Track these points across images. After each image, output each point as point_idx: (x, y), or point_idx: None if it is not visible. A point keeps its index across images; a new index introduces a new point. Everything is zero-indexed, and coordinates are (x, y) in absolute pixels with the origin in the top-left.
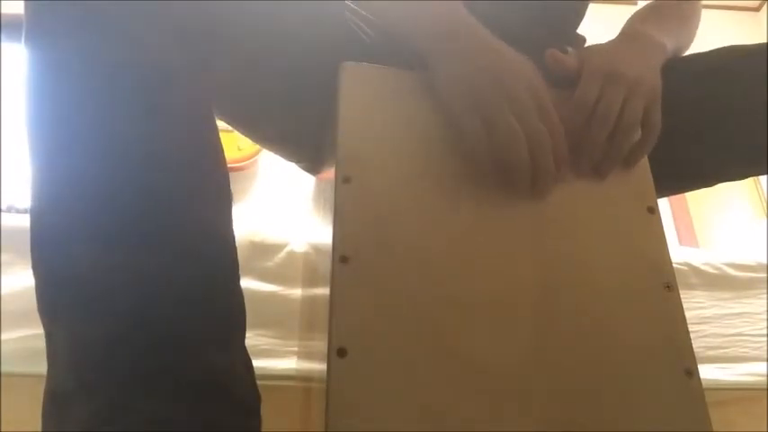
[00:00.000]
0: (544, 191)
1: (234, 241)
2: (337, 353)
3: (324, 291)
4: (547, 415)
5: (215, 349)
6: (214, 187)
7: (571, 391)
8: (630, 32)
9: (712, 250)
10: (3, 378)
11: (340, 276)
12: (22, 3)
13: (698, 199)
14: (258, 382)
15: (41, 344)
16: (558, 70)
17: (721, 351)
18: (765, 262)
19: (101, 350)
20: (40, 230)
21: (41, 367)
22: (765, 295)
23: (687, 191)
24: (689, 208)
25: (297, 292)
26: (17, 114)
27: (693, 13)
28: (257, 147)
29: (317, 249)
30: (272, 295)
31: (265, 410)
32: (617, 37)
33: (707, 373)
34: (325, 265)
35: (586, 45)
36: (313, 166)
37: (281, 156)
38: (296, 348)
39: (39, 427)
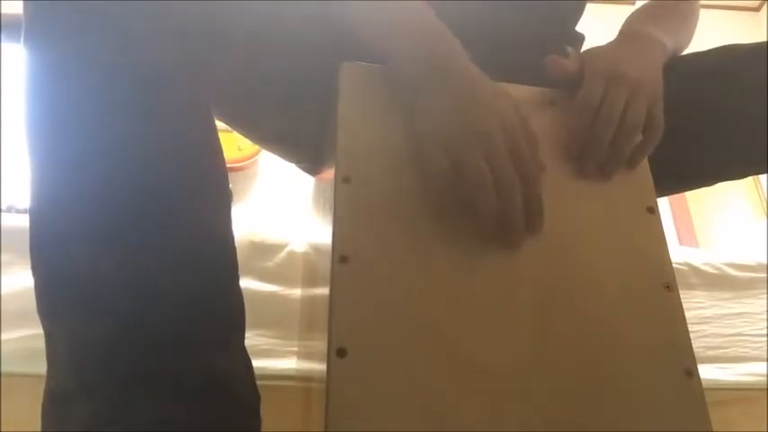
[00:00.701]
0: (513, 241)
1: (233, 241)
2: (337, 353)
3: (324, 291)
4: (547, 415)
5: (215, 349)
6: (213, 187)
7: (571, 391)
8: (630, 32)
9: (712, 250)
10: (3, 378)
11: (340, 276)
12: (22, 3)
13: (698, 199)
14: (258, 382)
15: (41, 344)
16: (559, 76)
17: (721, 351)
18: (765, 262)
19: (100, 350)
20: (40, 231)
21: (41, 367)
22: (765, 295)
23: (687, 190)
24: (689, 208)
25: (297, 292)
26: (17, 114)
27: (692, 12)
28: (257, 147)
29: (316, 249)
30: (272, 295)
31: (265, 410)
32: (616, 37)
33: (707, 373)
34: (325, 265)
35: (586, 46)
36: (312, 166)
37: (281, 156)
38: (296, 348)
39: (39, 427)
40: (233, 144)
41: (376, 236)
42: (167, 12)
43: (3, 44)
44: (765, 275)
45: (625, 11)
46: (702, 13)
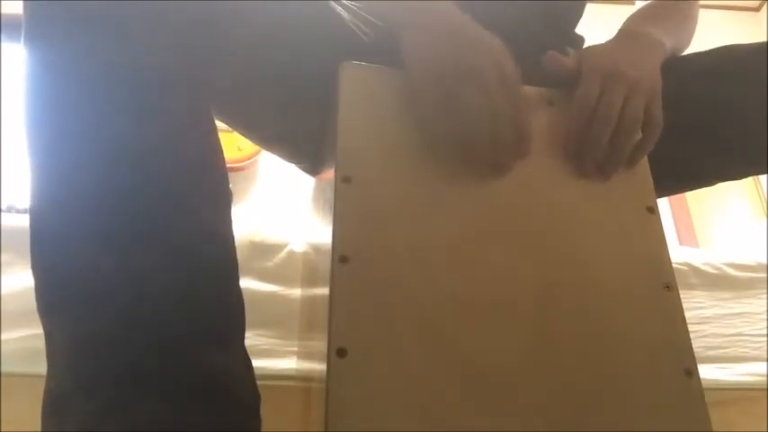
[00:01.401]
0: (504, 166)
1: (233, 241)
2: (337, 353)
3: (323, 291)
4: (547, 415)
5: (215, 349)
6: (213, 187)
7: (571, 390)
8: (629, 31)
9: (712, 250)
10: (3, 378)
11: (340, 276)
12: (22, 3)
13: (698, 199)
14: (258, 382)
15: (41, 344)
16: (558, 72)
17: (721, 351)
18: (765, 262)
19: (100, 350)
20: (40, 230)
21: (41, 367)
22: (765, 295)
23: (687, 191)
24: (689, 208)
25: (297, 292)
26: (17, 114)
27: (691, 13)
28: (257, 147)
29: (316, 249)
30: (272, 295)
31: (265, 410)
32: (615, 36)
33: (707, 373)
34: (325, 265)
35: (585, 45)
36: (312, 166)
37: (281, 156)
38: (296, 348)
39: (39, 427)
40: (233, 144)
41: (376, 236)
42: (167, 12)
43: (3, 44)
44: (765, 275)
45: (625, 11)
46: (702, 13)
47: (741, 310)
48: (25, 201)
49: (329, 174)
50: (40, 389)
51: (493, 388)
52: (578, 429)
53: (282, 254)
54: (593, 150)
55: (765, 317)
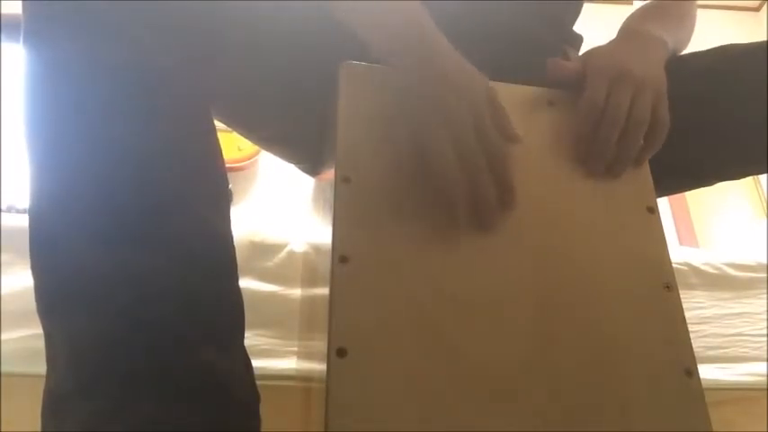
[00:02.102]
0: (487, 221)
1: (232, 241)
2: (337, 353)
3: (323, 291)
4: (547, 415)
5: (215, 349)
6: (212, 187)
7: (571, 390)
8: (631, 30)
9: (712, 250)
10: (3, 378)
11: (340, 276)
12: (22, 3)
13: (698, 199)
14: (258, 382)
15: (41, 344)
16: (561, 78)
17: (721, 351)
18: (765, 262)
19: (100, 350)
20: (39, 230)
21: (41, 367)
22: (765, 295)
23: (687, 190)
24: (689, 208)
25: (297, 292)
26: (17, 114)
27: (689, 12)
28: (257, 147)
29: (316, 249)
30: (272, 295)
31: (265, 410)
32: (617, 36)
33: (707, 373)
34: (325, 265)
35: (585, 47)
36: (312, 167)
37: (280, 157)
38: (296, 348)
39: (39, 427)
40: (233, 144)
41: (376, 236)
42: (167, 12)
43: (3, 44)
44: (765, 275)
45: (625, 11)
46: (702, 13)
47: (741, 310)
48: (25, 201)
49: (329, 174)
50: (40, 389)
51: (493, 388)
52: (578, 429)
53: (282, 254)
54: (602, 152)
55: (765, 317)
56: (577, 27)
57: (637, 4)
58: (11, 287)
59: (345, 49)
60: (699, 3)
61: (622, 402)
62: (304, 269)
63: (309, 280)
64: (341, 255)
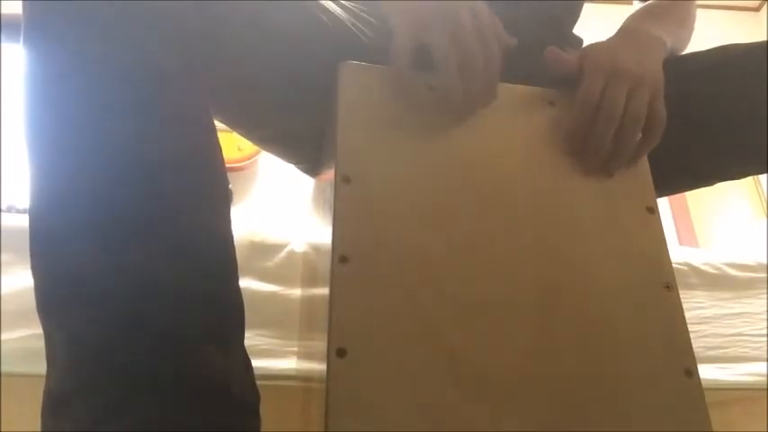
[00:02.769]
0: (468, 111)
1: (232, 241)
2: (337, 353)
3: (323, 291)
4: (546, 415)
5: (214, 349)
6: (213, 187)
7: (571, 390)
8: (629, 29)
9: (712, 250)
10: (3, 378)
11: (340, 276)
12: (22, 3)
13: (698, 199)
14: (258, 382)
15: (41, 344)
16: (558, 68)
17: (721, 351)
18: (765, 262)
19: (99, 350)
20: (39, 231)
21: (41, 367)
22: (765, 295)
23: (687, 190)
24: (689, 208)
25: (297, 292)
26: (17, 114)
27: (689, 12)
28: (257, 147)
29: (316, 249)
30: (272, 295)
31: (265, 410)
32: (616, 34)
33: (707, 373)
34: (325, 265)
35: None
36: (312, 166)
37: (280, 157)
38: (296, 348)
39: (39, 427)
40: (233, 144)
41: (376, 236)
42: (167, 13)
43: (3, 44)
44: (765, 275)
45: (624, 11)
46: (702, 13)
47: (741, 310)
48: (25, 201)
49: (329, 174)
50: (39, 389)
51: (493, 388)
52: (578, 429)
53: (282, 254)
54: (597, 147)
55: (765, 317)
56: (577, 27)
57: (636, 5)
58: (11, 287)
59: (345, 49)
60: (699, 3)
61: (622, 402)
62: (304, 269)
63: (309, 280)
64: (341, 255)
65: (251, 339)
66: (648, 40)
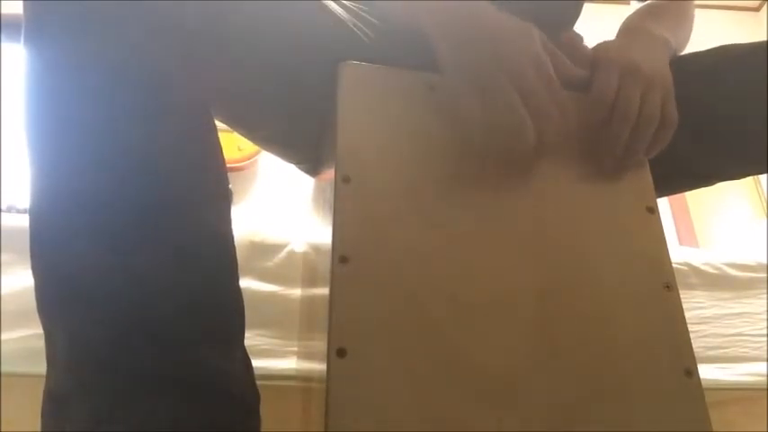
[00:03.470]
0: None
1: (233, 241)
2: (337, 353)
3: (323, 291)
4: (546, 415)
5: (215, 349)
6: (213, 187)
7: (571, 390)
8: (633, 29)
9: (712, 250)
10: (3, 378)
11: (339, 276)
12: (22, 3)
13: (698, 199)
14: (258, 382)
15: (41, 344)
16: (573, 55)
17: (721, 351)
18: (765, 262)
19: (100, 350)
20: (40, 230)
21: (41, 367)
22: (765, 295)
23: (687, 190)
24: (689, 208)
25: (297, 292)
26: (17, 114)
27: (688, 12)
28: (257, 147)
29: (316, 249)
30: (272, 295)
31: (265, 410)
32: (620, 34)
33: (707, 373)
34: (325, 265)
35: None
36: (312, 166)
37: (280, 157)
38: (296, 348)
39: (39, 427)
40: (233, 144)
41: (376, 236)
42: (167, 12)
43: (3, 44)
44: (765, 275)
45: (624, 11)
46: (702, 13)
47: (741, 310)
48: (25, 201)
49: (329, 174)
50: (39, 389)
51: (493, 388)
52: (578, 429)
53: (282, 254)
54: (612, 147)
55: (765, 317)
56: (577, 27)
57: (635, 5)
58: (11, 287)
59: (345, 50)
60: (699, 3)
61: (622, 402)
62: (304, 269)
63: (309, 280)
64: (341, 255)
65: (251, 339)
66: (653, 40)
